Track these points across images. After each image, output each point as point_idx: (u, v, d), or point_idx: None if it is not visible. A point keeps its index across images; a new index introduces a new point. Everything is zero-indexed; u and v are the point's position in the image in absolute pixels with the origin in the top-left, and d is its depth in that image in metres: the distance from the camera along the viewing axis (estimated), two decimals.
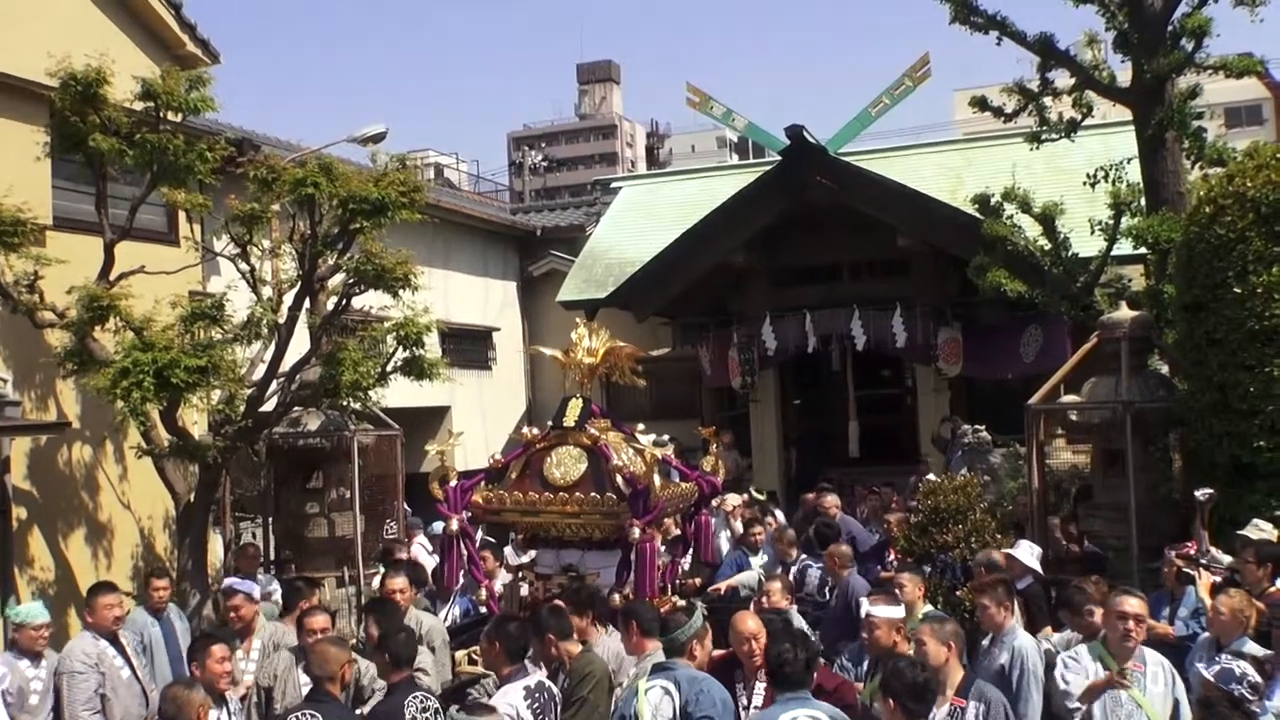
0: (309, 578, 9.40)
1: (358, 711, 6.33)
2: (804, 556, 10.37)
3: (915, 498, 10.81)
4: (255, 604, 8.06)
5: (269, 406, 10.48)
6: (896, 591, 7.15)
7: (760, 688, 6.29)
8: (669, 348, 18.90)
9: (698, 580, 10.32)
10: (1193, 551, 8.05)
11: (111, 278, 10.22)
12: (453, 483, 8.33)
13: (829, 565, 9.41)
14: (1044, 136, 12.78)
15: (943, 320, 15.73)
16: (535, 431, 8.66)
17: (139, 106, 10.19)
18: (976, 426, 13.70)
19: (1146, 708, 5.92)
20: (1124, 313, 10.07)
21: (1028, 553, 8.70)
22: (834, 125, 18.75)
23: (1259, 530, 7.93)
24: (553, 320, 19.39)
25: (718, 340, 17.62)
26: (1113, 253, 11.58)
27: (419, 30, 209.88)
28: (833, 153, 16.56)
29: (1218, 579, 7.63)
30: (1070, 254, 11.86)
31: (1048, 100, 12.67)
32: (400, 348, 10.53)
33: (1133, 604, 6.11)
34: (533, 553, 8.81)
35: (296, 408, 10.79)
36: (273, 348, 10.43)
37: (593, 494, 8.13)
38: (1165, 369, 10.40)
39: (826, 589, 9.73)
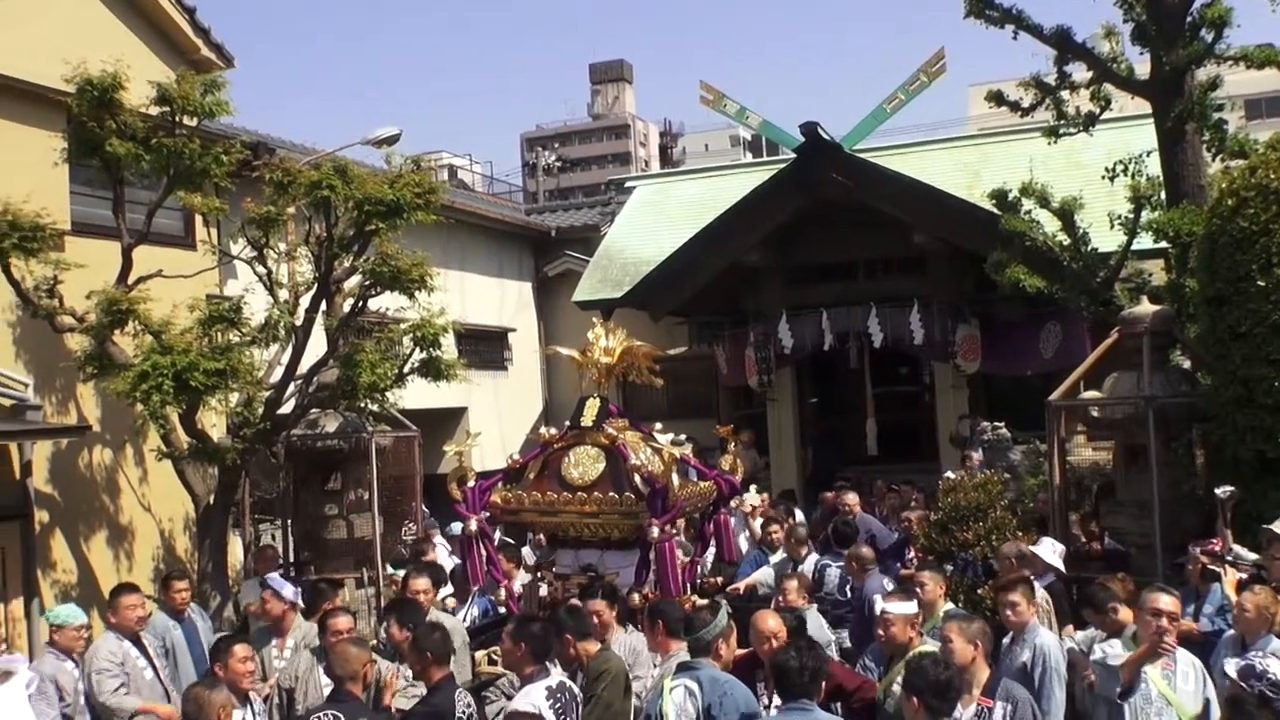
0: (332, 579, 9.42)
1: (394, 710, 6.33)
2: (823, 555, 10.35)
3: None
4: (284, 602, 8.11)
5: (287, 409, 10.51)
6: (918, 590, 7.11)
7: None
8: (685, 347, 18.86)
9: (719, 579, 10.30)
10: (1217, 548, 7.98)
11: (129, 282, 10.26)
12: (471, 483, 8.32)
13: (849, 568, 9.37)
14: (1062, 130, 12.68)
15: (960, 317, 15.65)
16: (553, 431, 8.64)
17: (155, 111, 10.23)
18: (996, 423, 13.62)
19: (1177, 706, 5.87)
20: (1145, 307, 9.99)
21: (1050, 550, 8.66)
22: (848, 122, 18.66)
23: None
24: (568, 320, 19.37)
25: (734, 339, 17.57)
26: (1132, 247, 11.49)
27: (430, 33, 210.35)
28: (848, 149, 16.49)
29: (1243, 575, 7.57)
30: (1089, 249, 11.78)
31: (1065, 94, 12.57)
32: (417, 349, 10.54)
33: (1166, 601, 6.05)
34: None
35: (314, 409, 10.81)
36: (290, 350, 10.45)
37: (611, 493, 8.10)
38: (1187, 364, 10.31)
39: (847, 588, 9.70)
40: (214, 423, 11.15)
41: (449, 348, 11.08)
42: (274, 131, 15.99)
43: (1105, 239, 11.98)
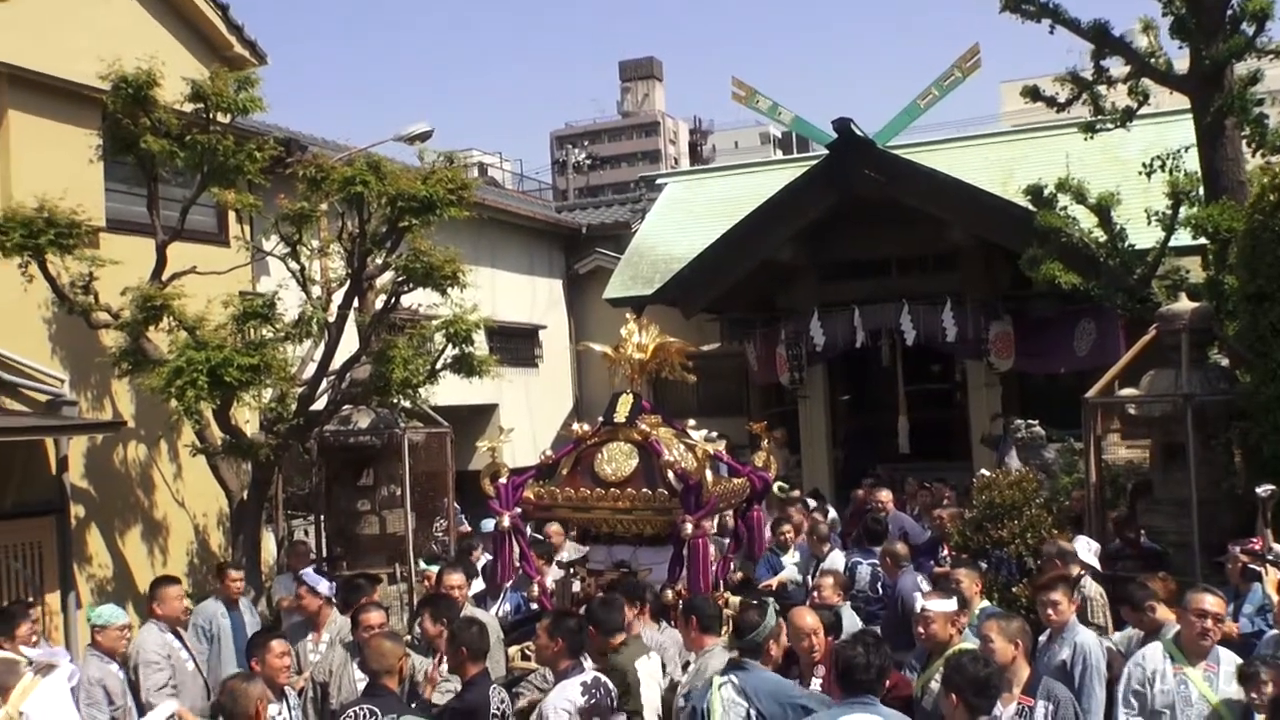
0: (369, 574, 9.46)
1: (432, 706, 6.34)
2: (853, 553, 10.30)
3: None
4: (319, 597, 8.16)
5: (320, 405, 10.54)
6: (954, 587, 7.05)
7: (816, 684, 6.25)
8: (717, 343, 18.81)
9: (738, 575, 10.24)
10: (1258, 547, 7.87)
11: (164, 278, 10.31)
12: (504, 479, 8.31)
13: (884, 564, 9.32)
14: (1098, 126, 12.56)
15: (994, 314, 15.53)
16: (586, 427, 8.62)
17: (189, 108, 10.27)
18: (1030, 421, 13.52)
19: (1220, 708, 5.79)
20: (1184, 304, 9.88)
21: (1085, 549, 8.59)
22: (880, 119, 18.52)
23: None
24: (599, 317, 19.36)
25: (765, 336, 17.51)
26: (1169, 244, 11.37)
27: (459, 31, 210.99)
28: (880, 146, 16.40)
29: None
30: (1126, 245, 11.66)
31: (1102, 89, 12.44)
32: (449, 345, 10.54)
33: (1211, 602, 5.98)
34: (585, 548, 8.78)
35: (347, 406, 10.84)
36: (322, 346, 10.48)
37: (644, 490, 8.06)
38: (1225, 361, 10.19)
39: (878, 584, 9.64)
40: (247, 419, 11.20)
41: (480, 344, 11.09)
42: (305, 129, 16.07)
43: (1142, 235, 11.86)
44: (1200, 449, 9.17)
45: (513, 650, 7.64)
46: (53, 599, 10.09)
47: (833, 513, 12.98)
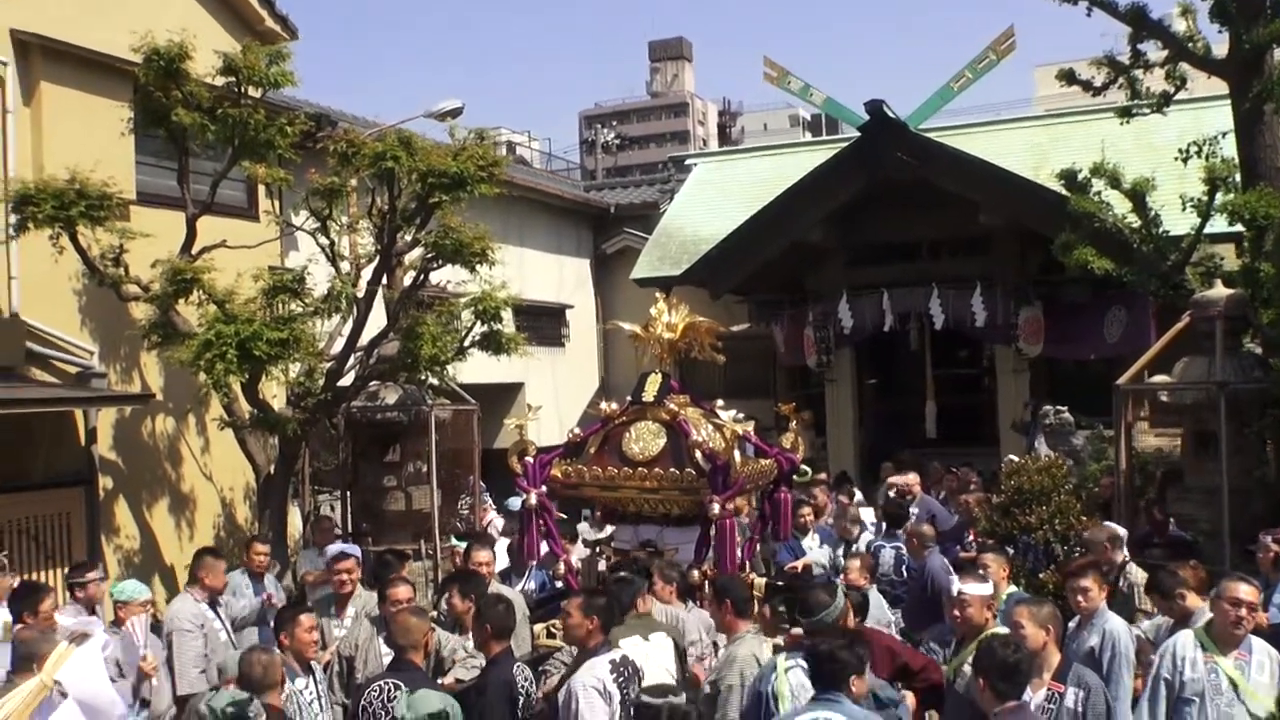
0: (398, 550, 9.50)
1: (442, 681, 6.35)
2: (876, 537, 10.27)
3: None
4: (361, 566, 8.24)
5: (347, 380, 10.56)
6: (981, 571, 7.01)
7: None
8: (745, 325, 18.73)
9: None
10: None
11: (194, 251, 10.34)
12: (531, 457, 8.31)
13: (909, 546, 9.29)
14: (1135, 110, 12.40)
15: (1024, 299, 15.40)
16: (614, 406, 8.60)
17: (220, 82, 10.26)
18: (1059, 407, 13.42)
19: (1251, 696, 5.73)
20: (1219, 291, 9.77)
21: None
22: (912, 101, 18.32)
23: None
24: (626, 297, 19.31)
25: (793, 318, 17.44)
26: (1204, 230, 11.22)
27: (488, 10, 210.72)
28: (913, 128, 16.26)
29: None
30: (1161, 231, 11.52)
31: (1139, 73, 12.27)
32: (478, 322, 10.54)
33: (1245, 590, 5.90)
34: (610, 528, 8.78)
35: (374, 381, 10.85)
36: (351, 322, 10.50)
37: (672, 469, 8.07)
38: (1259, 349, 10.07)
39: (903, 568, 9.61)
40: (275, 393, 11.24)
41: (508, 322, 11.08)
42: (336, 105, 16.06)
43: (1176, 222, 11.71)
44: (1233, 437, 9.09)
45: (538, 628, 7.65)
46: None
47: (859, 495, 12.93)
